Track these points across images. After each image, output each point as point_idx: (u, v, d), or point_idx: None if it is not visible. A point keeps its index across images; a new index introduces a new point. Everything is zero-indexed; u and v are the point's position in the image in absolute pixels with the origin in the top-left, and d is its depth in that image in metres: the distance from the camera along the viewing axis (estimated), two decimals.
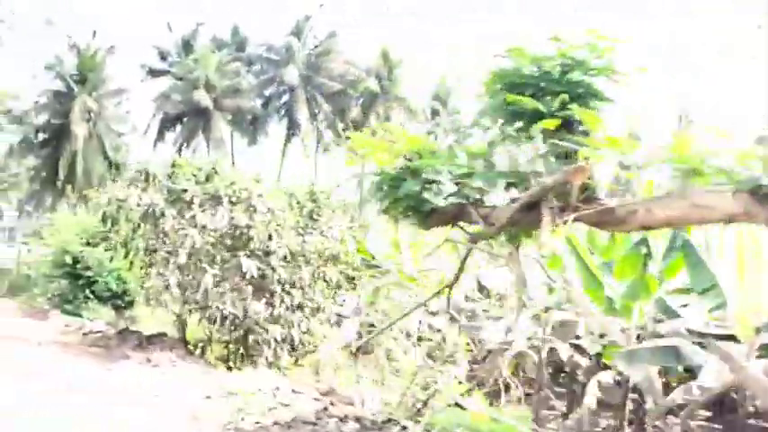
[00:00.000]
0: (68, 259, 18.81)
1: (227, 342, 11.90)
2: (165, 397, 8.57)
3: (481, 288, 14.99)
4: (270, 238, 11.70)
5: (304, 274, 11.86)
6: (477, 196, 6.53)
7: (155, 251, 12.24)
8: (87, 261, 18.94)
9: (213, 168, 12.72)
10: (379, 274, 15.39)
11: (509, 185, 6.62)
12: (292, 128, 44.86)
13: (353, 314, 14.74)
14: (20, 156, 37.10)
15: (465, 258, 7.03)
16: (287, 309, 12.09)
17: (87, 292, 19.03)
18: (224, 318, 11.59)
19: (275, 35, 54.15)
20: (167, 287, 11.35)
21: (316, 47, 45.88)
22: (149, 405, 8.30)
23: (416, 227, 7.12)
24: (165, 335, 13.49)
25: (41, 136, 37.16)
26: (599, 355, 12.33)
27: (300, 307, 12.39)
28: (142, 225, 12.56)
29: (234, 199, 12.13)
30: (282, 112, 44.87)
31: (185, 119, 41.00)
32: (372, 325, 14.86)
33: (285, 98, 45.04)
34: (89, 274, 18.87)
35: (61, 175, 34.57)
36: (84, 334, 14.84)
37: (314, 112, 44.42)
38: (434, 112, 49.69)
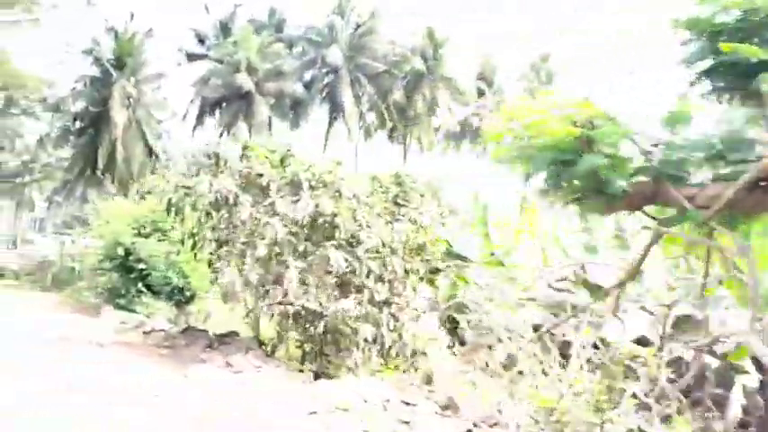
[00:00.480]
0: (120, 251, 17.97)
1: (310, 343, 10.84)
2: (266, 412, 7.52)
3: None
4: (359, 226, 10.61)
5: (396, 267, 10.75)
6: (676, 173, 5.30)
7: (227, 243, 11.20)
8: (139, 253, 18.08)
9: (288, 151, 11.63)
10: (459, 264, 14.24)
11: (716, 158, 5.38)
12: (335, 111, 43.75)
13: (428, 309, 13.67)
14: (57, 144, 36.55)
15: (649, 247, 5.83)
16: (374, 305, 11.01)
17: (140, 285, 18.20)
18: (308, 316, 10.56)
19: (309, 17, 53.21)
20: (247, 283, 10.32)
21: (359, 26, 44.62)
22: (250, 421, 7.26)
23: (593, 211, 5.93)
24: (236, 334, 12.54)
25: (78, 124, 36.51)
26: (725, 355, 11.10)
27: (387, 303, 11.30)
28: (213, 214, 11.52)
29: (314, 183, 11.05)
30: (325, 94, 43.70)
31: (225, 103, 40.07)
32: (454, 320, 13.77)
33: (328, 80, 43.86)
34: (142, 266, 18.02)
35: (100, 163, 33.89)
36: (146, 333, 13.94)
37: (357, 94, 43.24)
38: (479, 93, 48.34)
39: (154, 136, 35.40)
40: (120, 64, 34.82)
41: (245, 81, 37.91)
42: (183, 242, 12.58)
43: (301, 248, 10.78)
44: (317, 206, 10.47)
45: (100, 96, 34.77)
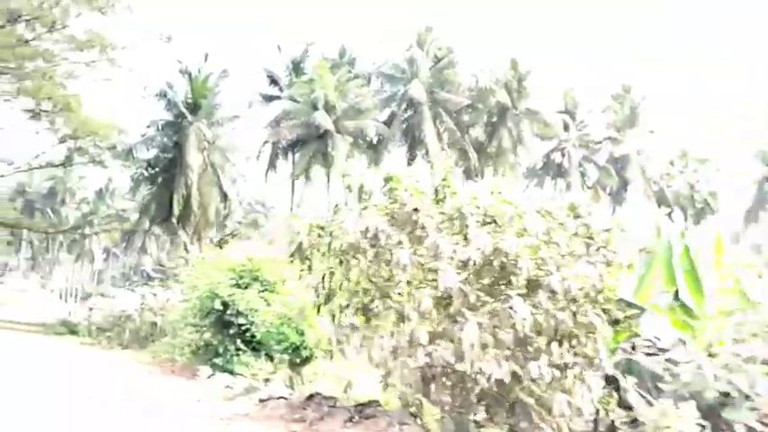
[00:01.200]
0: (218, 304, 16.43)
1: (487, 415, 8.90)
2: None
3: None
4: (543, 269, 8.73)
5: (592, 318, 8.81)
6: None
7: (375, 293, 9.44)
8: (238, 305, 16.53)
9: (444, 181, 9.90)
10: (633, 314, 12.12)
11: None
12: (415, 148, 42.17)
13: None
14: (133, 191, 35.90)
15: None
16: (557, 368, 9.03)
17: (239, 342, 16.61)
18: (486, 383, 8.63)
19: (379, 52, 52.23)
20: (411, 343, 8.52)
21: (439, 59, 43.26)
22: None
23: None
24: (377, 403, 10.67)
25: (151, 170, 35.80)
26: None
27: (571, 364, 9.29)
28: (353, 260, 9.79)
29: (481, 219, 9.23)
30: (405, 131, 42.18)
31: (301, 144, 38.93)
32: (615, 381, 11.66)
33: (408, 116, 42.37)
34: (241, 321, 16.44)
35: (176, 210, 32.96)
36: (262, 401, 12.18)
37: (438, 130, 41.68)
38: (563, 127, 46.37)
39: (229, 180, 34.43)
40: (194, 106, 34.17)
41: (323, 119, 36.75)
42: (316, 293, 10.82)
43: (473, 298, 8.91)
44: (496, 245, 8.62)
45: (173, 141, 34.09)
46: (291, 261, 11.09)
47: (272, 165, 40.65)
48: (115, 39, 28.31)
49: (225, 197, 34.08)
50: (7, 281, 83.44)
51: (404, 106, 42.42)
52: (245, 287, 17.04)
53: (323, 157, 37.67)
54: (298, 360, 14.57)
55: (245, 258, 17.48)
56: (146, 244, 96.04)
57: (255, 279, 17.25)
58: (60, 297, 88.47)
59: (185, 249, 38.55)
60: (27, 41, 31.73)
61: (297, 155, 39.29)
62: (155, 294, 25.19)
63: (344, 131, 38.23)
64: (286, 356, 14.77)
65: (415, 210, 9.49)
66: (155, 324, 24.27)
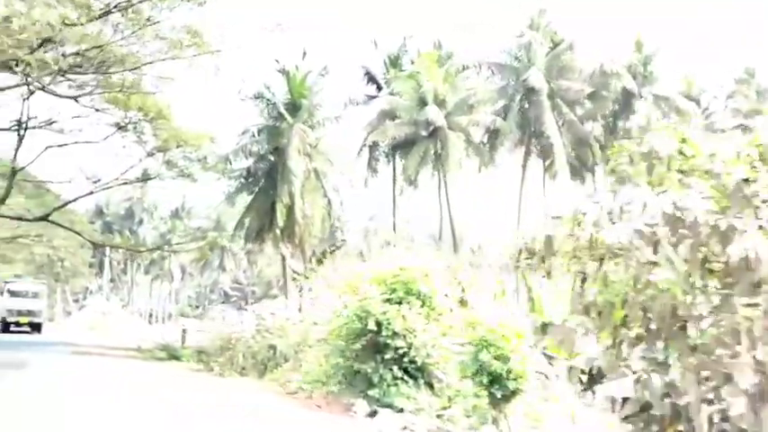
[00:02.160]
0: (372, 324, 13.98)
1: None
2: None
3: None
4: None
5: None
6: None
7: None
8: (393, 325, 14.05)
9: None
10: None
11: None
12: (533, 143, 38.93)
13: None
14: (230, 202, 33.99)
15: None
16: None
17: (395, 369, 14.12)
18: None
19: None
20: None
21: (555, 44, 40.03)
22: None
23: None
24: None
25: (246, 180, 33.83)
26: None
27: None
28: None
29: None
30: (521, 125, 38.99)
31: (409, 144, 36.20)
32: None
33: (523, 108, 39.19)
34: (399, 343, 13.95)
35: (279, 221, 30.82)
36: None
37: (557, 122, 38.35)
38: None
39: (332, 187, 32.24)
40: (293, 107, 32.10)
41: (435, 115, 33.98)
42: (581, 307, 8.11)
43: None
44: None
45: (272, 146, 32.08)
46: (517, 266, 8.55)
47: (372, 169, 38.22)
48: (214, 36, 26.21)
49: (329, 205, 31.90)
50: (90, 304, 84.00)
51: (518, 97, 39.26)
52: (399, 302, 14.58)
53: (435, 157, 34.95)
54: (500, 394, 11.83)
55: (397, 268, 15.02)
56: (224, 262, 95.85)
57: (409, 292, 14.79)
58: (142, 317, 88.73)
59: (283, 264, 36.67)
60: (112, 42, 29.90)
61: (400, 158, 36.52)
62: (272, 313, 22.97)
63: (457, 128, 35.45)
64: (475, 388, 12.05)
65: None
66: (272, 347, 22.04)
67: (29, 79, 30.09)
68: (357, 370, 14.48)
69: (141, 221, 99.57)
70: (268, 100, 32.70)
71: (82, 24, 25.02)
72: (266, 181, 32.62)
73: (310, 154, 31.68)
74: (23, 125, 32.27)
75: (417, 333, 14.15)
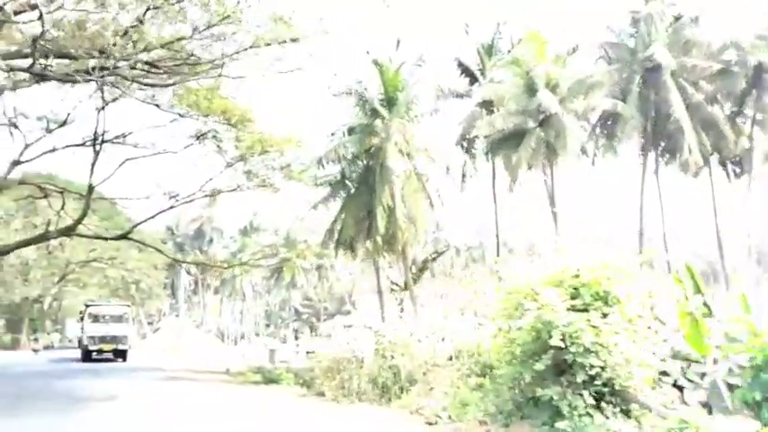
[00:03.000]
0: (556, 338, 11.30)
1: None
2: None
3: None
4: None
5: None
6: None
7: None
8: (582, 339, 11.36)
9: None
10: None
11: None
12: (657, 129, 35.09)
13: None
14: (326, 205, 31.52)
15: None
16: None
17: (586, 395, 11.42)
18: None
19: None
20: None
21: (677, 17, 36.26)
22: None
23: None
24: None
25: (341, 184, 31.43)
26: None
27: None
28: None
29: None
30: (642, 108, 35.15)
31: (511, 139, 33.10)
32: None
33: (643, 90, 35.39)
34: (593, 362, 11.26)
35: (380, 226, 28.28)
36: None
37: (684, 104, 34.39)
38: None
39: (434, 189, 29.59)
40: (389, 102, 29.64)
41: (548, 101, 30.71)
42: None
43: None
44: None
45: (365, 147, 29.65)
46: None
47: (468, 168, 35.22)
48: (303, 28, 23.78)
49: (431, 208, 29.29)
50: (164, 325, 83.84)
51: (637, 79, 35.59)
52: (584, 309, 11.87)
53: (547, 149, 31.74)
54: None
55: (575, 267, 12.29)
56: (295, 278, 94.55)
57: (597, 297, 12.04)
58: (217, 338, 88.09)
59: (377, 275, 34.16)
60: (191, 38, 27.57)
61: (504, 152, 33.29)
62: (395, 329, 20.43)
63: (573, 115, 32.14)
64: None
65: None
66: (393, 368, 19.46)
67: (104, 87, 28.44)
68: (536, 397, 11.80)
69: (211, 240, 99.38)
70: (361, 95, 30.31)
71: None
72: (360, 185, 30.20)
73: (410, 152, 29.16)
74: (99, 138, 30.57)
75: (612, 348, 11.43)
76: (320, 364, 23.02)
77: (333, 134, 31.62)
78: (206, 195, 36.28)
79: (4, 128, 29.05)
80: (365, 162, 30.25)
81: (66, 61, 20.68)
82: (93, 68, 19.70)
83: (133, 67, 19.69)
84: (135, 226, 34.35)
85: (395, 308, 30.16)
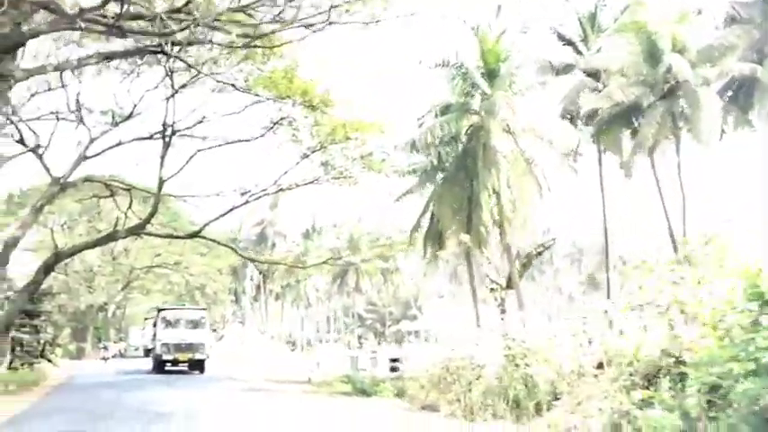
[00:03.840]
0: None
1: None
2: None
3: None
4: None
5: None
6: None
7: None
8: None
9: None
10: None
11: None
12: None
13: None
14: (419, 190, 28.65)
15: None
16: None
17: None
18: None
19: None
20: None
21: None
22: None
23: None
24: None
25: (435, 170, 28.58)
26: None
27: None
28: None
29: None
30: None
31: (627, 113, 29.36)
32: None
33: None
34: None
35: (484, 216, 25.36)
36: None
37: None
38: None
39: (542, 173, 26.45)
40: (490, 75, 26.66)
41: (679, 66, 26.74)
42: None
43: None
44: None
45: (462, 127, 26.69)
46: None
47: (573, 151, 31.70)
48: None
49: (540, 195, 26.18)
50: (229, 332, 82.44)
51: None
52: None
53: (673, 123, 27.94)
54: None
55: None
56: (359, 283, 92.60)
57: None
58: (283, 344, 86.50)
59: (470, 271, 31.20)
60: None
61: (617, 130, 29.70)
62: (526, 332, 17.35)
63: (704, 82, 28.31)
64: None
65: None
66: (526, 378, 16.44)
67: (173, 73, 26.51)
68: None
69: (274, 245, 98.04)
70: (459, 66, 27.38)
71: None
72: (458, 171, 27.24)
73: (515, 131, 26.12)
74: (169, 128, 28.35)
75: None
76: (428, 374, 20.18)
77: (421, 117, 28.81)
78: (280, 189, 33.74)
79: (66, 123, 27.55)
80: (463, 144, 27.29)
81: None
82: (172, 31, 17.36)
83: (213, 27, 17.37)
84: (207, 224, 32.13)
85: (493, 310, 27.36)
